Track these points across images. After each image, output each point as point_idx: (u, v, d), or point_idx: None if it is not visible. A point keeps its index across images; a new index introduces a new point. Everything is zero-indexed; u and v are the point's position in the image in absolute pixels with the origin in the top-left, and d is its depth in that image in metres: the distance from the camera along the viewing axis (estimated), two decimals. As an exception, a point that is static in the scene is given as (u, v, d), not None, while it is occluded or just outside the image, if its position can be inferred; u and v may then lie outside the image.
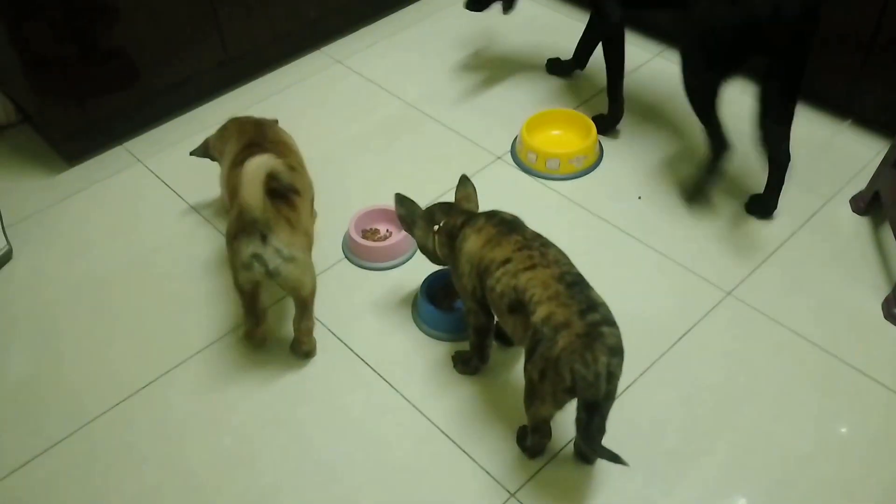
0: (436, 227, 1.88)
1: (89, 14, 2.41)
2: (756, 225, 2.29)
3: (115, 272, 2.26)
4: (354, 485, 1.76)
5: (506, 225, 1.77)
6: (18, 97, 2.71)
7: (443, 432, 1.84)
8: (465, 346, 1.97)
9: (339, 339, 2.05)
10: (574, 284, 1.61)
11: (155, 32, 2.57)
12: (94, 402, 1.94)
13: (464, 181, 1.97)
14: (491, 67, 2.93)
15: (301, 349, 1.99)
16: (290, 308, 2.11)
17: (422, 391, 1.93)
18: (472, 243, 1.77)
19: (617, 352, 1.53)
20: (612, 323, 1.56)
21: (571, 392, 1.54)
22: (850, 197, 2.35)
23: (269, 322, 2.04)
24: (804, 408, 1.86)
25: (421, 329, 2.06)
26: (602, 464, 1.76)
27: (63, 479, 1.80)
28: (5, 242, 2.31)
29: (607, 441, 1.59)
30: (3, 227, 2.30)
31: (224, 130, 2.18)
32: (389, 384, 1.95)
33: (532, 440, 1.76)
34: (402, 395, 1.92)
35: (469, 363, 1.95)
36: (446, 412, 1.88)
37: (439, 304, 2.08)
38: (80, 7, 2.38)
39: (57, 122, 2.55)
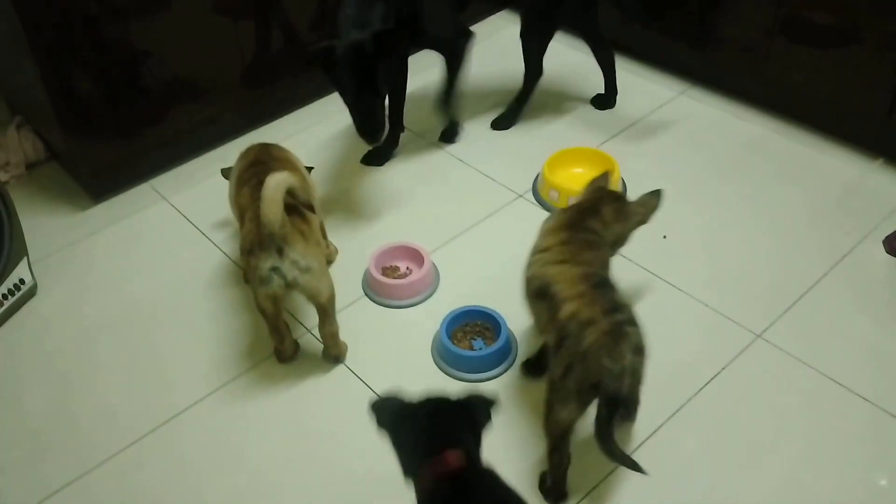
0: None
1: (118, 55, 2.45)
2: (786, 266, 2.24)
3: (137, 308, 2.27)
4: (371, 528, 1.72)
5: (572, 224, 1.82)
6: (47, 135, 2.75)
7: (462, 475, 1.80)
8: (494, 384, 1.96)
9: (358, 377, 2.03)
10: (600, 285, 1.66)
11: (181, 73, 2.61)
12: (110, 439, 1.93)
13: (656, 193, 1.97)
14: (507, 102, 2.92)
15: (330, 354, 2.04)
16: (311, 341, 2.11)
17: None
18: (543, 225, 1.89)
19: (640, 351, 1.59)
20: (635, 324, 1.61)
21: (595, 389, 1.55)
22: (882, 237, 2.30)
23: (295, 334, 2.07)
24: (838, 456, 1.80)
25: (441, 369, 2.03)
26: (626, 510, 1.71)
27: (77, 518, 1.79)
28: (31, 278, 2.32)
29: (632, 480, 1.55)
30: (28, 263, 2.32)
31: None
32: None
33: (551, 465, 1.70)
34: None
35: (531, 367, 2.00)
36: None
37: (459, 343, 2.05)
38: (109, 48, 2.42)
39: (84, 159, 2.58)
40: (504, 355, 2.02)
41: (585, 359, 1.55)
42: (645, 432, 1.86)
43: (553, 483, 1.72)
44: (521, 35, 2.68)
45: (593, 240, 1.80)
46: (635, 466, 1.56)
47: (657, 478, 1.76)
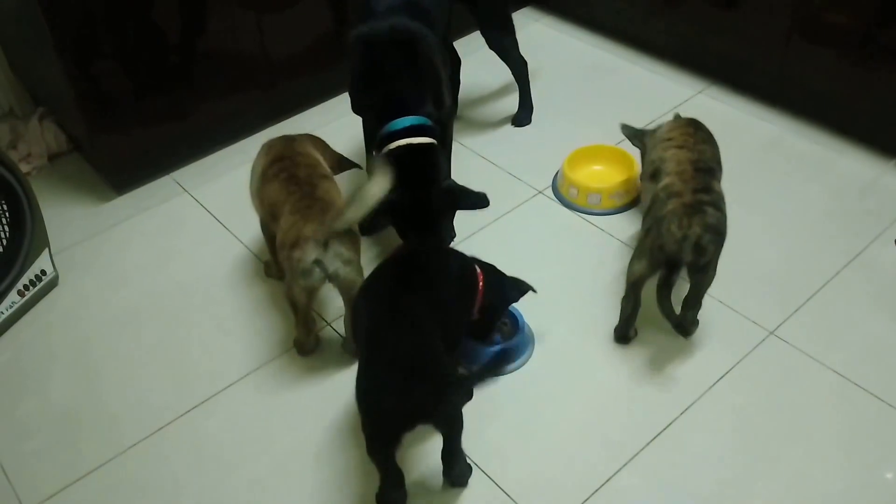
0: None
1: (142, 48, 2.48)
2: (799, 264, 2.25)
3: (158, 300, 2.30)
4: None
5: (693, 123, 2.11)
6: (70, 126, 2.78)
7: (483, 472, 1.83)
8: (512, 377, 2.00)
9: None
10: (703, 171, 1.91)
11: (205, 66, 2.64)
12: (132, 428, 1.97)
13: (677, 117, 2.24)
14: (534, 101, 2.95)
15: (351, 346, 2.06)
16: (330, 334, 2.13)
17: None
18: (667, 126, 2.13)
19: (713, 231, 1.81)
20: (719, 209, 1.85)
21: (662, 251, 1.84)
22: (895, 237, 2.31)
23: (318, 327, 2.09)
24: (848, 451, 1.82)
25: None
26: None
27: None
28: (52, 269, 2.35)
29: (641, 475, 1.56)
30: (50, 254, 2.35)
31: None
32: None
33: (621, 309, 2.01)
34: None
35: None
36: (488, 450, 1.86)
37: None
38: (133, 41, 2.45)
39: (107, 151, 2.61)
40: (521, 350, 2.05)
41: (660, 223, 1.83)
42: (657, 427, 1.88)
43: (620, 325, 2.03)
44: (495, 42, 2.67)
45: (711, 138, 2.07)
46: (680, 328, 1.93)
47: (668, 473, 1.79)
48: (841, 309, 2.13)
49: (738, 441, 1.85)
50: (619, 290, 2.17)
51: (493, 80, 3.05)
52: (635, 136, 2.25)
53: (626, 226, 2.42)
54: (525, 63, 2.77)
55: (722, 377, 1.98)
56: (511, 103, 2.91)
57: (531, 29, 3.32)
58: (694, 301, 1.97)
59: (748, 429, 1.87)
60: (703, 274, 1.90)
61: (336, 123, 2.90)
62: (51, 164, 2.82)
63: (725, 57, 2.89)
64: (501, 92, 3.00)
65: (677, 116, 2.22)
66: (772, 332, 2.08)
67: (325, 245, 1.82)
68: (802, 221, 2.39)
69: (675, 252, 1.82)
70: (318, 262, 1.83)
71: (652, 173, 2.00)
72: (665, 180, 1.91)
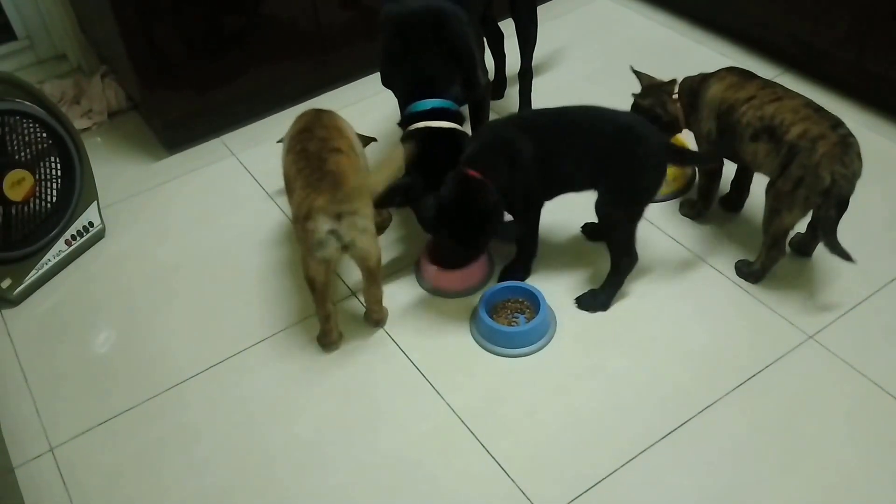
0: (675, 97, 2.16)
1: (197, 11, 2.51)
2: (851, 268, 2.11)
3: (196, 258, 2.34)
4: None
5: (746, 74, 2.07)
6: (126, 85, 2.85)
7: (487, 451, 1.81)
8: (528, 359, 1.97)
9: (396, 343, 2.05)
10: (819, 109, 1.92)
11: (258, 32, 2.66)
12: (160, 378, 2.02)
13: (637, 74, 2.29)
14: (581, 82, 2.87)
15: (372, 318, 2.06)
16: (355, 304, 2.13)
17: (472, 405, 1.90)
18: (715, 89, 2.06)
19: (860, 157, 1.87)
20: (853, 135, 1.88)
21: (824, 195, 1.85)
22: (963, 246, 2.15)
23: (340, 322, 2.07)
24: (878, 466, 1.71)
25: (477, 342, 2.02)
26: (644, 498, 1.68)
27: (121, 447, 1.88)
28: (100, 221, 2.43)
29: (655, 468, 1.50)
30: (98, 207, 2.43)
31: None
32: (450, 409, 1.93)
33: (768, 257, 2.04)
34: (461, 419, 1.89)
35: (694, 206, 2.28)
36: (495, 429, 1.84)
37: (497, 318, 2.04)
38: (189, 4, 2.48)
39: (159, 111, 2.66)
40: (541, 332, 2.00)
41: (818, 168, 1.83)
42: (681, 419, 1.82)
43: (761, 269, 2.07)
44: (521, 28, 2.60)
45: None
46: (849, 258, 1.89)
47: (687, 468, 1.73)
48: (889, 319, 2.00)
49: (757, 445, 1.76)
50: (657, 278, 2.12)
51: (536, 56, 2.98)
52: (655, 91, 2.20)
53: (671, 216, 2.33)
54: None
55: (750, 378, 1.89)
56: (556, 77, 2.83)
57: (599, 4, 3.23)
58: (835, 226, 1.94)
59: (770, 433, 1.78)
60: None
61: (381, 96, 2.88)
62: (110, 121, 2.90)
63: (801, 43, 2.73)
64: (543, 67, 2.93)
65: (707, 74, 2.12)
66: (811, 337, 1.97)
67: (338, 216, 1.80)
68: (861, 223, 2.23)
69: (849, 191, 1.86)
70: (332, 232, 1.81)
71: (754, 134, 1.96)
72: (795, 130, 1.88)
